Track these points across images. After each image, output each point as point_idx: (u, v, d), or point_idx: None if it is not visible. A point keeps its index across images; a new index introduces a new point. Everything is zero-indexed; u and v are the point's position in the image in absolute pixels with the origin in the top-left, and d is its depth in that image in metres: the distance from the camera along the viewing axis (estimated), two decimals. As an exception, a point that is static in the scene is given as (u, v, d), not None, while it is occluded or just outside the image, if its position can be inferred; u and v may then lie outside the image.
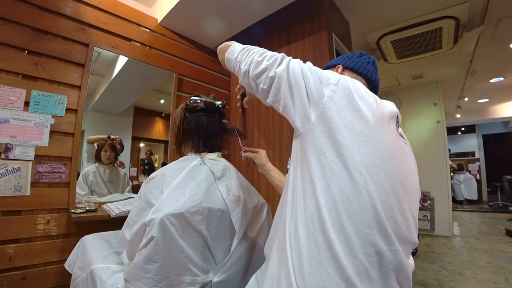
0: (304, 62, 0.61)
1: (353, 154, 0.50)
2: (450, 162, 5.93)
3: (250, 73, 0.64)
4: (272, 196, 1.65)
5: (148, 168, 2.04)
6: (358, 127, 0.51)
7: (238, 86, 0.83)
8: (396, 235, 0.50)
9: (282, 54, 0.63)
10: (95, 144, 1.66)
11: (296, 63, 0.59)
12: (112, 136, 1.72)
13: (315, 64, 0.62)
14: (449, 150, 6.11)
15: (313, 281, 0.47)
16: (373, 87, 0.76)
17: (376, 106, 0.56)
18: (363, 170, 0.49)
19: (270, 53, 0.64)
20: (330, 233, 0.47)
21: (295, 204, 0.55)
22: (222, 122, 0.98)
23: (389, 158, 0.52)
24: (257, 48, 0.68)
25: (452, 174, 5.94)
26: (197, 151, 0.92)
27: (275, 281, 0.54)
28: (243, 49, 0.70)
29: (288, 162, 0.66)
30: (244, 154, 0.99)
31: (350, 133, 0.51)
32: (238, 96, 0.88)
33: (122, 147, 1.80)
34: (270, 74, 0.59)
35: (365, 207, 0.48)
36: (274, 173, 0.97)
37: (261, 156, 1.01)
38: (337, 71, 0.77)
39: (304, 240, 0.50)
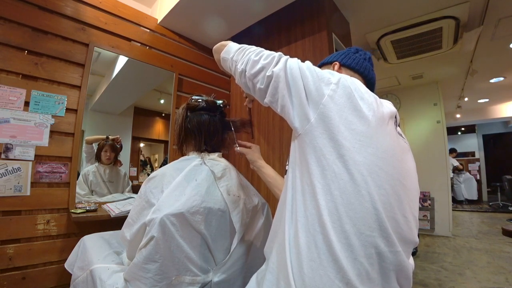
0: (303, 61, 0.60)
1: (354, 155, 0.49)
2: (457, 164, 5.95)
3: (246, 73, 0.63)
4: (272, 196, 1.64)
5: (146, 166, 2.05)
6: (359, 127, 0.51)
7: None
8: (397, 235, 0.49)
9: (279, 53, 0.62)
10: (94, 145, 1.66)
11: (294, 62, 0.58)
12: (111, 136, 1.72)
13: (314, 64, 0.62)
14: (456, 150, 6.11)
15: (313, 283, 0.46)
16: (370, 84, 0.76)
17: (376, 105, 0.55)
18: (364, 171, 0.48)
19: (267, 52, 0.63)
20: (330, 236, 0.47)
21: (295, 207, 0.54)
22: (223, 121, 0.98)
23: (390, 159, 0.52)
24: (253, 48, 0.67)
25: (452, 175, 5.94)
26: (199, 149, 0.92)
27: (274, 283, 0.54)
28: (239, 48, 0.69)
29: (287, 164, 0.66)
30: (237, 149, 0.97)
31: (351, 133, 0.50)
32: (244, 95, 0.89)
33: (121, 147, 1.80)
34: (267, 73, 0.58)
35: (366, 208, 0.47)
36: (266, 169, 0.94)
37: (254, 152, 0.97)
38: (333, 68, 0.76)
39: (304, 243, 0.49)
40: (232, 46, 0.73)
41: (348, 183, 0.48)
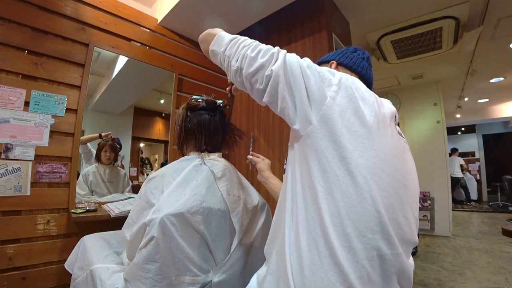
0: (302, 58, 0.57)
1: (356, 158, 0.48)
2: (462, 162, 5.96)
3: (243, 71, 0.57)
4: (272, 196, 1.65)
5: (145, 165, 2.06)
6: (361, 129, 0.50)
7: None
8: (398, 237, 0.49)
9: (277, 47, 0.58)
10: (89, 144, 1.66)
11: (293, 59, 0.55)
12: (103, 134, 1.71)
13: (314, 64, 0.61)
14: (457, 150, 6.12)
15: (313, 286, 0.46)
16: (367, 84, 0.74)
17: (378, 106, 0.54)
18: (366, 174, 0.48)
19: (264, 47, 0.58)
20: (332, 239, 0.46)
21: (295, 209, 0.53)
22: (224, 121, 0.97)
23: (392, 160, 0.51)
24: (248, 40, 0.61)
25: (461, 175, 5.95)
26: (199, 149, 0.92)
27: (275, 285, 0.53)
28: (232, 40, 0.62)
29: (285, 163, 0.65)
30: (249, 157, 1.00)
31: (353, 135, 0.49)
32: (229, 81, 0.83)
33: (120, 146, 1.79)
34: (267, 73, 0.54)
35: (369, 211, 0.47)
36: (273, 180, 0.96)
37: (264, 163, 1.00)
38: (330, 67, 0.75)
39: (305, 246, 0.49)
40: (223, 36, 0.65)
41: (351, 186, 0.47)
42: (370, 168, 0.48)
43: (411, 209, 0.54)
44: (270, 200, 1.01)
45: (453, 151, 6.05)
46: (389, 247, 0.47)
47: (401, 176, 0.52)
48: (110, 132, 1.74)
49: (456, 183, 5.85)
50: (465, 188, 5.97)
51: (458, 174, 5.81)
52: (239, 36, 0.63)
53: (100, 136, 1.69)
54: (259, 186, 1.05)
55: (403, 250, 0.50)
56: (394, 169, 0.51)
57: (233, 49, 0.61)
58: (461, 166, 5.89)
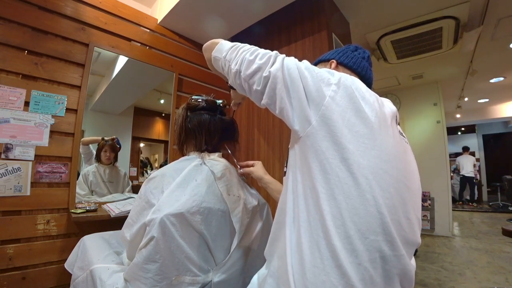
0: (301, 61, 0.58)
1: (358, 159, 0.47)
2: (475, 161, 5.94)
3: (242, 73, 0.59)
4: (273, 198, 1.64)
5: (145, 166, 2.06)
6: (362, 129, 0.49)
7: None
8: (401, 238, 0.49)
9: (275, 51, 0.59)
10: (91, 146, 1.66)
11: (291, 62, 0.55)
12: (106, 138, 1.71)
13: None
14: (468, 148, 6.05)
15: None
16: (367, 85, 0.75)
17: (378, 106, 0.54)
18: (369, 175, 0.47)
19: (262, 51, 0.60)
20: (334, 241, 0.46)
21: (297, 211, 0.52)
22: (224, 121, 0.97)
23: (394, 161, 0.51)
24: (247, 46, 0.63)
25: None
26: (200, 149, 0.91)
27: None
28: (232, 47, 0.65)
29: (285, 165, 0.65)
30: (240, 171, 0.96)
31: (354, 136, 0.49)
32: (232, 96, 0.90)
33: (120, 146, 1.80)
34: (264, 74, 0.55)
35: (371, 213, 0.46)
36: (273, 185, 0.93)
37: (258, 169, 0.96)
38: (330, 66, 0.75)
39: (307, 248, 0.48)
40: (224, 44, 0.69)
41: (353, 188, 0.47)
42: (372, 169, 0.48)
43: (414, 210, 0.53)
44: (270, 201, 1.01)
45: (465, 149, 6.00)
46: (391, 249, 0.47)
47: (403, 176, 0.52)
48: (114, 137, 1.75)
49: (470, 182, 5.73)
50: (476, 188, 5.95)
51: (472, 173, 5.76)
52: (239, 43, 0.66)
53: (103, 139, 1.70)
54: (259, 187, 1.05)
55: (406, 251, 0.49)
56: (396, 169, 0.51)
57: (233, 54, 0.63)
58: (474, 165, 5.86)
